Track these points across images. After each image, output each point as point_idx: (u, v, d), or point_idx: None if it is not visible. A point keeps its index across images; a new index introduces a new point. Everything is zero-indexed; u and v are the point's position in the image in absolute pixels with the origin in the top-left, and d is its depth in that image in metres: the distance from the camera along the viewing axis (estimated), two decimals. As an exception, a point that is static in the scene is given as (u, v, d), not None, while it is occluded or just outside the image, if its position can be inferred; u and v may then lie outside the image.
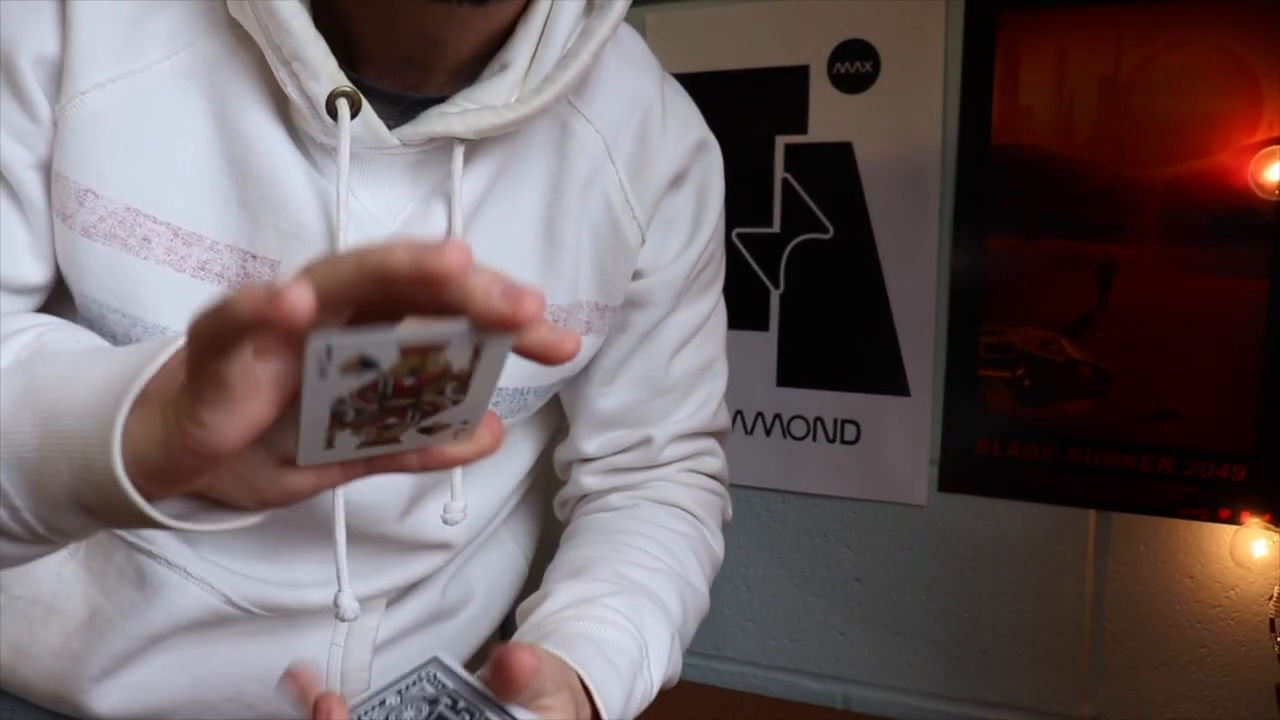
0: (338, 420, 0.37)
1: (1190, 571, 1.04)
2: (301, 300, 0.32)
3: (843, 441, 1.17)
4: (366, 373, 0.35)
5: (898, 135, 1.10)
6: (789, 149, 1.15)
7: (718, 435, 0.86)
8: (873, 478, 1.16)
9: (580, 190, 0.69)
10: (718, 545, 0.83)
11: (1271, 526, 0.98)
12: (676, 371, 0.80)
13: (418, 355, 0.35)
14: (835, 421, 1.17)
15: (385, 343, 0.34)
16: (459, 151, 0.61)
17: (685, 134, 0.75)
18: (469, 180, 0.64)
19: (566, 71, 0.62)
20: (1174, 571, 1.04)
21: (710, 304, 0.82)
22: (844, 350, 1.16)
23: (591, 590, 0.67)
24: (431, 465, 0.42)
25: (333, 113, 0.58)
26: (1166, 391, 1.02)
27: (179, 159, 0.60)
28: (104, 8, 0.59)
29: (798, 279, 1.16)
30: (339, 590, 0.64)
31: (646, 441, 0.79)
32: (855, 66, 1.11)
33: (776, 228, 1.15)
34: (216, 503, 0.44)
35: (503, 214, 0.67)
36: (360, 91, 0.58)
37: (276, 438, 0.40)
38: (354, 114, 0.58)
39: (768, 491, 1.21)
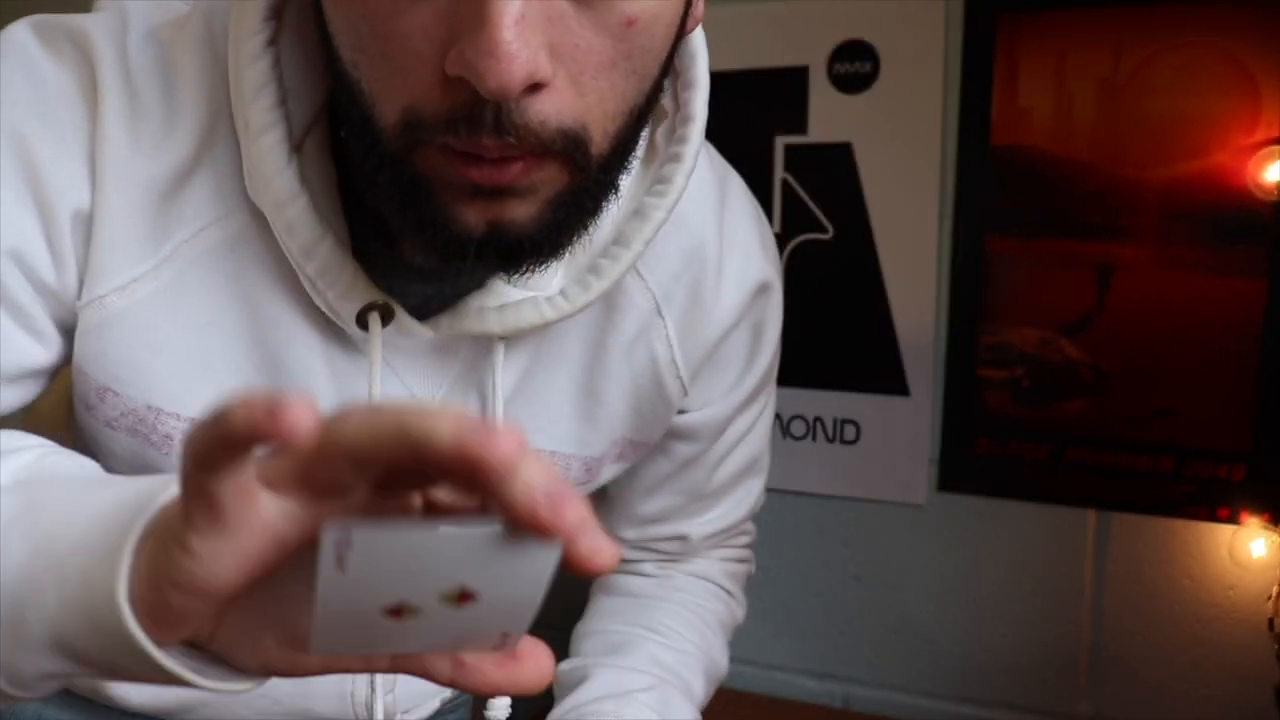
0: (355, 616, 0.33)
1: (1189, 571, 1.04)
2: (303, 419, 0.29)
3: (842, 441, 1.17)
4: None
5: (897, 136, 1.10)
6: (789, 149, 1.15)
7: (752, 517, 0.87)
8: (872, 477, 1.16)
9: (626, 347, 0.66)
10: (741, 612, 0.86)
11: (1270, 526, 0.98)
12: (719, 478, 0.79)
13: None
14: (835, 421, 1.17)
15: (416, 541, 0.30)
16: (500, 346, 0.60)
17: (742, 282, 0.70)
18: (510, 359, 0.62)
19: (617, 263, 0.58)
20: (1173, 571, 1.05)
21: (758, 410, 0.79)
22: (843, 350, 1.16)
23: (628, 682, 0.72)
24: (463, 684, 0.37)
25: (364, 321, 0.55)
26: (1165, 391, 1.02)
27: (208, 350, 0.57)
28: (134, 187, 0.54)
29: (797, 279, 1.16)
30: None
31: (683, 538, 0.81)
32: (855, 67, 1.11)
33: (776, 228, 1.16)
34: (218, 659, 0.39)
35: (544, 373, 0.65)
36: (393, 275, 0.55)
37: (287, 603, 0.36)
38: (386, 321, 0.55)
39: (767, 491, 1.21)
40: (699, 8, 0.52)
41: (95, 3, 0.59)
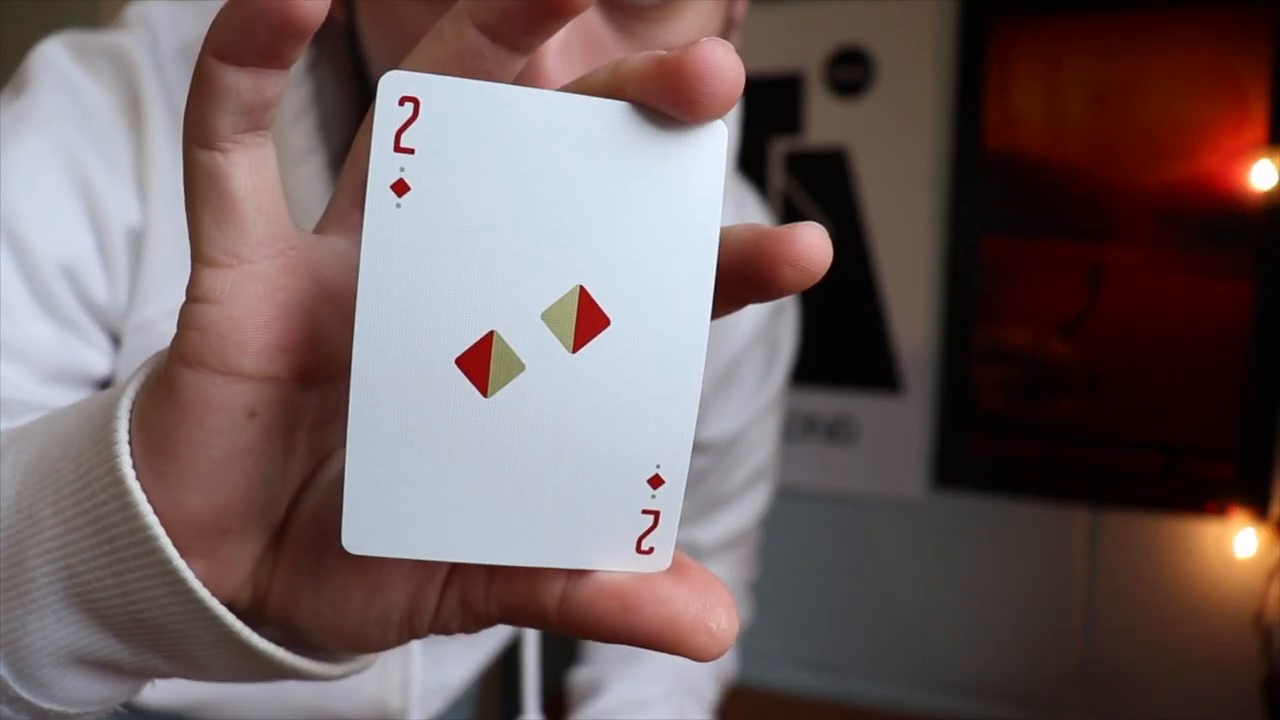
0: (411, 372, 0.21)
1: (1179, 567, 1.05)
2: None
3: (837, 439, 1.18)
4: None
5: (893, 140, 1.11)
6: (786, 154, 1.16)
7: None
8: (867, 475, 1.17)
9: None
10: (747, 612, 0.88)
11: (1258, 522, 1.00)
12: (731, 486, 0.80)
13: None
14: (831, 419, 1.18)
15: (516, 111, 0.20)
16: None
17: (760, 305, 0.70)
18: None
19: None
20: (1163, 567, 1.06)
21: (770, 422, 0.80)
22: (839, 350, 1.17)
23: (644, 692, 0.73)
24: (576, 611, 0.24)
25: None
26: (1155, 391, 1.04)
27: None
28: (184, 208, 0.52)
29: (794, 280, 1.17)
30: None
31: (693, 544, 0.82)
32: (851, 72, 1.12)
33: (773, 230, 1.17)
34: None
35: None
36: None
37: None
38: None
39: (765, 489, 1.23)
40: (737, 39, 0.53)
41: (120, 16, 0.59)
